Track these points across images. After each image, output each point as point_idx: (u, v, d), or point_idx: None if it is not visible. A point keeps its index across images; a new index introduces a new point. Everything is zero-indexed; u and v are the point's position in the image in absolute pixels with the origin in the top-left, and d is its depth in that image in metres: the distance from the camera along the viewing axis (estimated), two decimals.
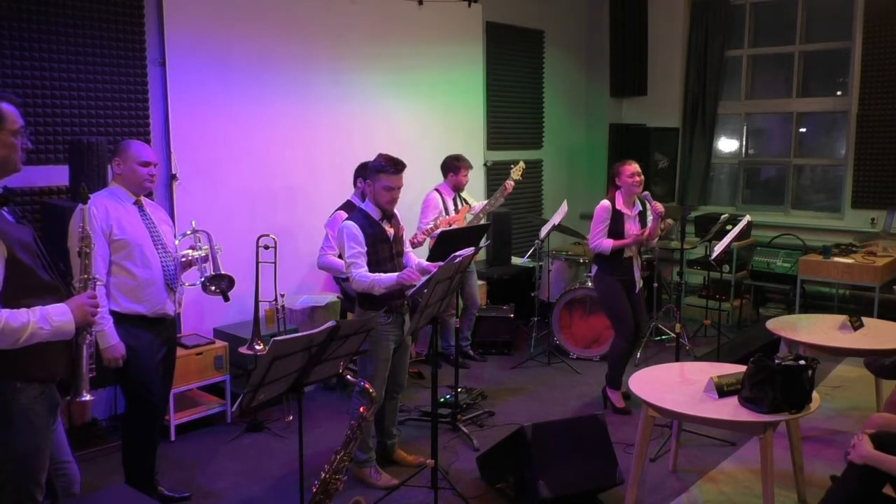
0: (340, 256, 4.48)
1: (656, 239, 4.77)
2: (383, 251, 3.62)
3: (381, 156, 3.62)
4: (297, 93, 5.37)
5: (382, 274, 3.52)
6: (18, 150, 2.31)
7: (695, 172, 7.65)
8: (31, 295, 2.20)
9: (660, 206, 4.56)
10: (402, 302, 3.74)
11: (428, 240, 4.96)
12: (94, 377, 2.42)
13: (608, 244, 4.54)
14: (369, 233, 3.56)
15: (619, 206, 4.59)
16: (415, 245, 4.73)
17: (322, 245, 4.72)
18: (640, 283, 4.77)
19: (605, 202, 4.60)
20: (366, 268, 3.53)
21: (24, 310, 2.16)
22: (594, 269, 4.75)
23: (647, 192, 4.66)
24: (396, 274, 3.51)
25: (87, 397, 2.36)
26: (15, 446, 2.22)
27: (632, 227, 4.61)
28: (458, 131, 6.60)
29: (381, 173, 3.55)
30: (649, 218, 4.71)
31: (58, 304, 2.23)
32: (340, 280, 4.83)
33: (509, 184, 5.32)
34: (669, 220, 4.60)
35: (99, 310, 2.34)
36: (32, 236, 2.29)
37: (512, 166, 5.48)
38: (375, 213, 3.63)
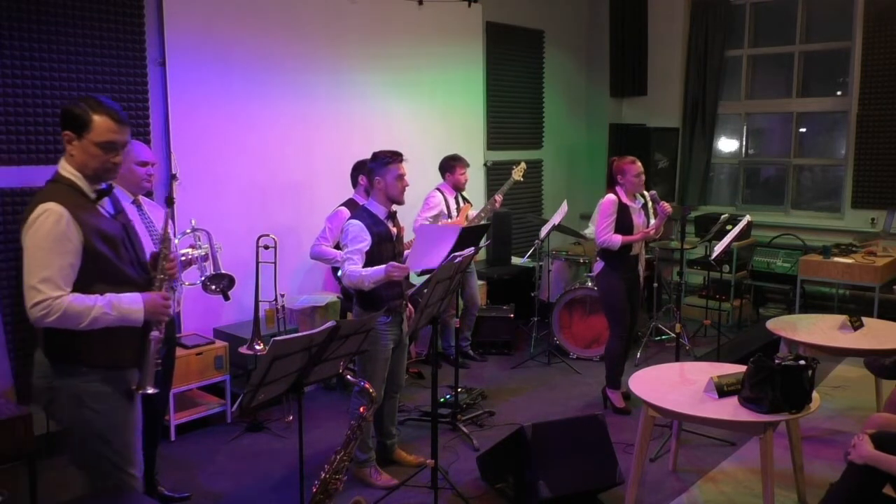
0: (337, 248, 4.52)
1: (660, 234, 4.80)
2: (386, 250, 3.63)
3: (380, 152, 3.66)
4: (296, 92, 5.37)
5: (370, 268, 3.52)
6: (106, 162, 2.36)
7: (695, 172, 7.66)
8: (107, 283, 2.33)
9: (668, 207, 4.56)
10: (401, 302, 3.74)
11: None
12: (158, 371, 2.50)
13: (617, 239, 4.51)
14: (374, 231, 3.56)
15: (624, 199, 4.59)
16: None
17: (318, 235, 4.72)
18: (642, 281, 4.78)
19: (611, 196, 4.58)
20: (359, 265, 3.53)
21: (93, 295, 2.28)
22: (599, 265, 4.71)
23: (653, 192, 4.67)
24: (383, 266, 3.50)
25: (151, 390, 2.44)
26: (92, 427, 2.37)
27: (638, 219, 4.61)
28: (458, 131, 6.60)
29: (389, 165, 3.58)
30: (651, 210, 4.73)
31: (131, 294, 2.35)
32: (339, 278, 4.84)
33: (498, 198, 5.38)
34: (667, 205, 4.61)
35: (170, 311, 2.44)
36: (122, 230, 2.43)
37: (513, 167, 5.49)
38: (381, 212, 3.64)
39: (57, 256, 2.23)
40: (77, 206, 2.29)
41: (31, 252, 2.24)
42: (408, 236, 5.11)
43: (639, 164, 4.60)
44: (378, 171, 3.60)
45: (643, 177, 4.59)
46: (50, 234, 2.22)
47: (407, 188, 3.66)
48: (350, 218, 3.65)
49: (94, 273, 2.32)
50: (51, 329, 2.32)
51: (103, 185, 2.41)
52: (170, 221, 2.61)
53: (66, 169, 2.35)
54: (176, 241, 3.51)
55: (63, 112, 2.35)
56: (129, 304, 2.32)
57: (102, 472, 2.41)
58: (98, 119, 2.31)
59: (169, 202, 2.62)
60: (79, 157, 2.33)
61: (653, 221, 4.70)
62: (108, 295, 2.29)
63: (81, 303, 2.25)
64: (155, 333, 2.41)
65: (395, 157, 3.61)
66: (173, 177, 4.68)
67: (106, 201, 2.43)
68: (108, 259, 2.34)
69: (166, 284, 2.48)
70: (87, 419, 2.37)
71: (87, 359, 2.35)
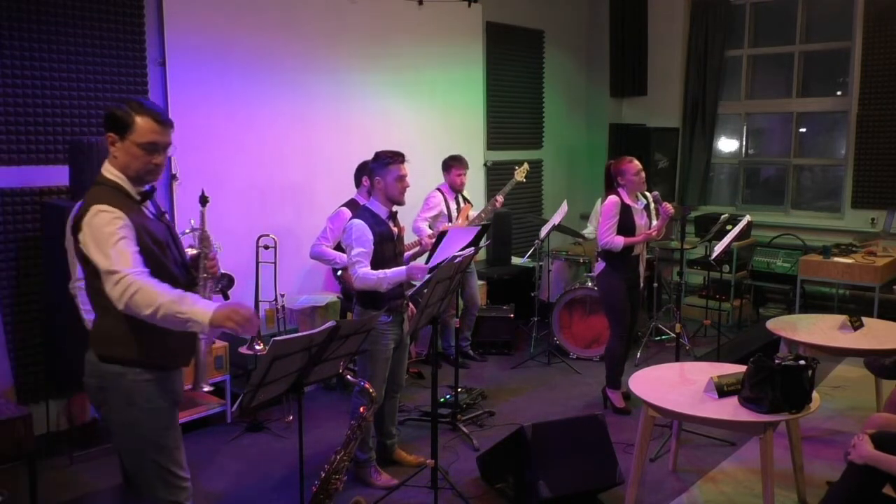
0: (337, 248, 4.52)
1: (662, 234, 4.80)
2: (388, 249, 3.64)
3: (382, 152, 3.66)
4: (296, 93, 5.38)
5: (388, 270, 3.53)
6: (148, 163, 2.35)
7: (695, 172, 7.65)
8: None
9: (670, 208, 4.56)
10: (402, 302, 3.74)
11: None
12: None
13: (619, 241, 4.50)
14: (377, 231, 3.57)
15: (626, 200, 4.59)
16: (426, 248, 4.69)
17: (318, 235, 4.72)
18: (642, 282, 4.78)
19: (614, 197, 4.57)
20: (369, 267, 3.53)
21: (177, 290, 2.25)
22: (600, 265, 4.70)
23: (656, 193, 4.67)
24: (405, 268, 3.54)
25: (206, 388, 2.47)
26: (143, 428, 2.37)
27: (640, 220, 4.61)
28: (458, 131, 6.60)
29: (390, 165, 3.59)
30: (653, 211, 4.74)
31: (204, 300, 2.31)
32: (339, 278, 4.84)
33: (499, 199, 5.38)
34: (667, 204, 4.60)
35: (244, 324, 2.25)
36: (167, 231, 2.46)
37: (516, 168, 5.49)
38: (382, 212, 3.64)
39: (124, 243, 2.23)
40: (125, 207, 2.30)
41: (96, 244, 2.22)
42: (408, 237, 5.12)
43: (636, 162, 4.60)
44: (378, 171, 3.60)
45: (643, 174, 4.59)
46: (111, 225, 2.22)
47: (407, 189, 3.66)
48: (352, 217, 3.66)
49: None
50: (102, 329, 2.34)
51: (146, 187, 2.42)
52: (205, 219, 2.61)
53: (109, 171, 2.35)
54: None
55: (106, 115, 2.36)
56: (205, 307, 2.22)
57: (153, 475, 2.40)
58: (140, 120, 2.32)
59: (202, 201, 2.60)
60: (122, 158, 2.33)
61: (655, 223, 4.69)
62: (184, 293, 2.25)
63: (158, 285, 2.21)
64: (202, 335, 2.40)
65: (396, 157, 3.60)
66: (173, 177, 4.68)
67: (148, 203, 2.44)
68: (158, 259, 2.35)
69: (210, 283, 2.49)
70: (139, 420, 2.36)
71: (140, 359, 2.35)
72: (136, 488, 2.43)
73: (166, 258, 2.40)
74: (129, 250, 2.23)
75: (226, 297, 3.55)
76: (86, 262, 2.29)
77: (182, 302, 2.19)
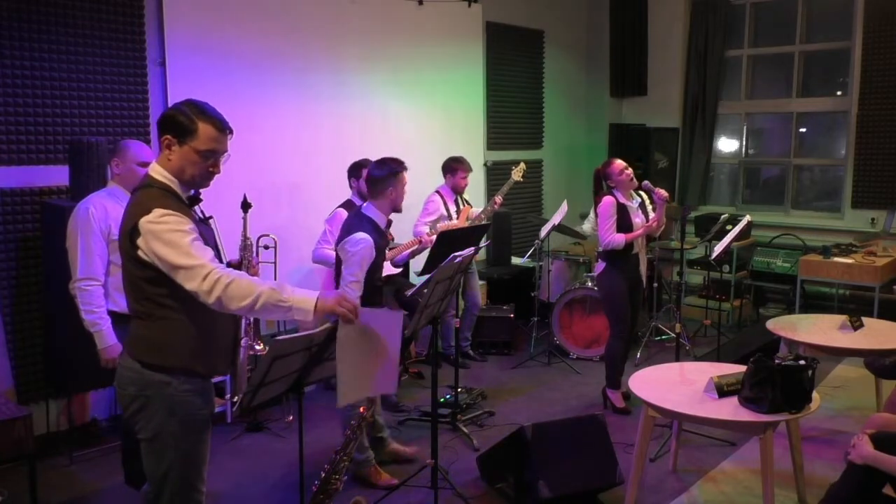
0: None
1: (663, 226, 4.79)
2: (381, 258, 3.59)
3: (385, 160, 3.58)
4: (296, 93, 5.37)
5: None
6: (205, 170, 2.32)
7: (695, 172, 7.65)
8: None
9: (663, 192, 4.54)
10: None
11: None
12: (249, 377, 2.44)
13: (620, 238, 4.50)
14: (379, 244, 3.51)
15: (622, 199, 4.59)
16: (425, 244, 4.73)
17: (319, 239, 4.72)
18: (643, 281, 4.79)
19: (609, 197, 4.57)
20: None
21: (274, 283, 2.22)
22: (600, 265, 4.70)
23: (646, 182, 4.65)
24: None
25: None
26: (177, 438, 2.32)
27: (636, 219, 4.61)
28: (458, 131, 6.60)
29: (398, 174, 3.53)
30: (649, 207, 4.73)
31: (300, 288, 2.25)
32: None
33: (498, 199, 5.38)
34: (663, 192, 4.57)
35: (353, 311, 2.26)
36: (214, 237, 2.48)
37: (513, 167, 5.49)
38: (382, 222, 3.57)
39: (199, 242, 2.20)
40: (181, 210, 2.26)
41: (169, 245, 2.16)
42: (408, 238, 5.13)
43: (619, 161, 4.62)
44: (387, 182, 3.51)
45: (629, 171, 4.57)
46: (181, 225, 2.19)
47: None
48: (358, 231, 3.47)
49: None
50: (147, 336, 2.29)
51: (193, 192, 2.38)
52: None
53: (160, 173, 2.30)
54: None
55: (166, 117, 2.29)
56: (305, 294, 2.19)
57: (174, 485, 2.35)
58: (203, 127, 2.27)
59: (245, 206, 2.50)
60: (176, 162, 2.29)
61: (652, 215, 4.69)
62: (273, 280, 2.21)
63: (250, 276, 2.19)
64: (245, 339, 2.36)
65: (402, 166, 3.56)
66: None
67: (196, 207, 2.41)
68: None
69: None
70: (177, 432, 2.32)
71: (185, 367, 2.31)
72: (153, 487, 2.39)
73: (218, 262, 2.34)
74: (206, 248, 2.22)
75: None
76: (142, 266, 2.22)
77: (283, 290, 2.17)
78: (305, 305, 2.17)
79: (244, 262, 2.42)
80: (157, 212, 2.19)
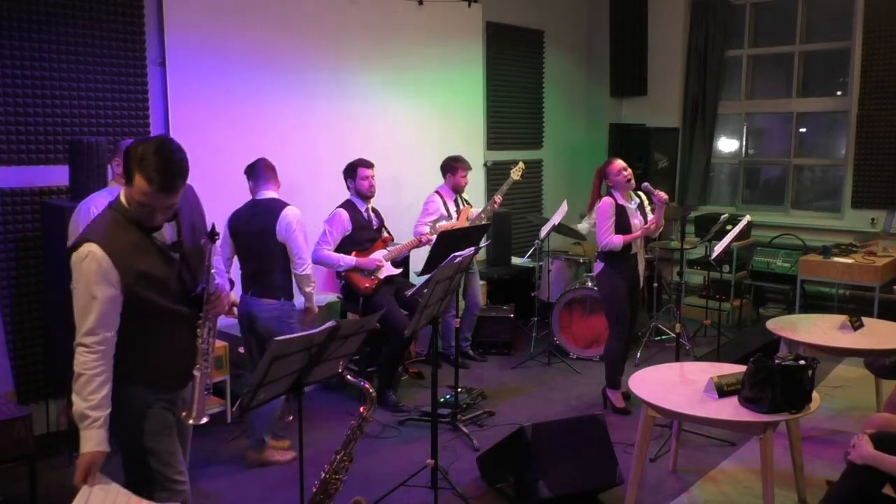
0: (337, 249, 4.60)
1: (661, 227, 4.78)
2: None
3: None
4: (296, 93, 5.37)
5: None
6: (142, 215, 2.26)
7: (695, 172, 7.65)
8: (150, 318, 2.35)
9: (663, 195, 4.54)
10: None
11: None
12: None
13: (619, 240, 4.50)
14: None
15: (620, 200, 4.59)
16: (424, 243, 4.97)
17: (318, 240, 4.72)
18: (642, 281, 4.79)
19: (608, 199, 4.57)
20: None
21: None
22: (599, 265, 4.71)
23: (646, 184, 4.65)
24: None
25: (203, 420, 2.37)
26: (131, 437, 2.42)
27: (634, 220, 4.61)
28: (458, 131, 6.60)
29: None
30: (648, 209, 4.73)
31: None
32: (341, 276, 4.84)
33: (497, 199, 5.38)
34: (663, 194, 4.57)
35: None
36: (178, 262, 2.41)
37: (512, 167, 5.48)
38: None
39: (100, 305, 2.25)
40: (129, 243, 2.23)
41: (75, 294, 2.26)
42: (408, 238, 5.13)
43: (618, 160, 4.62)
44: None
45: (627, 172, 4.57)
46: (88, 287, 2.23)
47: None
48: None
49: (136, 312, 2.30)
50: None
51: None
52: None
53: (124, 195, 2.27)
54: None
55: (125, 149, 2.25)
56: (92, 434, 2.29)
57: (149, 478, 2.41)
58: (138, 178, 2.16)
59: (212, 237, 2.40)
60: (128, 194, 2.24)
61: (650, 217, 4.69)
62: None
63: (99, 380, 2.32)
64: (197, 371, 2.32)
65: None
66: None
67: (167, 228, 2.32)
68: (152, 301, 2.29)
69: (209, 323, 2.36)
70: (127, 430, 2.39)
71: (127, 373, 2.36)
72: (134, 486, 2.43)
73: (165, 296, 2.32)
74: (108, 317, 2.25)
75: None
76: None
77: (95, 412, 2.30)
78: (88, 440, 2.25)
79: (205, 292, 2.35)
80: (84, 249, 2.20)
